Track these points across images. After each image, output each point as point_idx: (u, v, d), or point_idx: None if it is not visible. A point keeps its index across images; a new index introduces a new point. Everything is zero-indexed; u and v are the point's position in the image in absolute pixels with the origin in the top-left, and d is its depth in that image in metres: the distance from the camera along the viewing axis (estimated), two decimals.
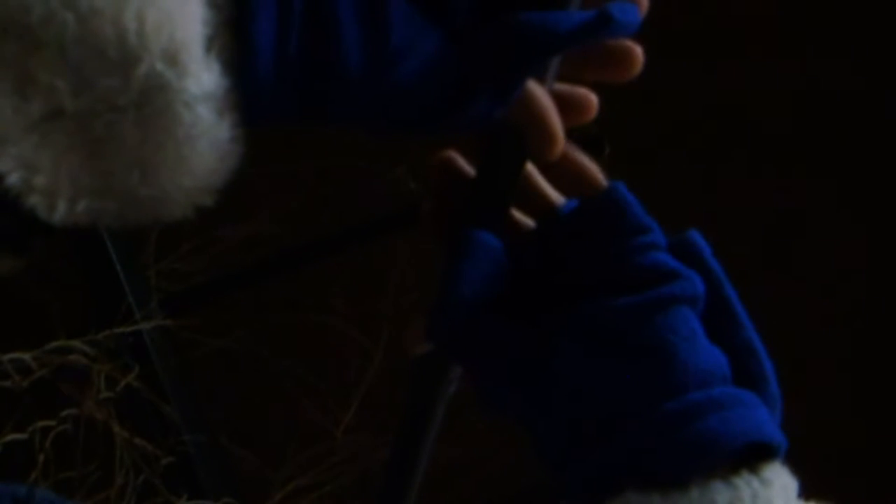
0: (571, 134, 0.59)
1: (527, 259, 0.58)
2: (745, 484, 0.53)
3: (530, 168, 0.59)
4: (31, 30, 0.45)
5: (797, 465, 0.56)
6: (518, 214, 0.60)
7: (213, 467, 2.32)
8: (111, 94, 0.46)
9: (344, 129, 0.54)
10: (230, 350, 2.29)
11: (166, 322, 2.26)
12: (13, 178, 0.47)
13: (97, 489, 2.12)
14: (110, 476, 2.14)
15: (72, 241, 2.22)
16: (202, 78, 0.47)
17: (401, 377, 0.63)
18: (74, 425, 2.11)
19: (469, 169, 0.60)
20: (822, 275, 2.48)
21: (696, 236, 0.58)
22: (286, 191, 2.34)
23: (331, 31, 0.49)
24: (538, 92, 0.55)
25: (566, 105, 0.57)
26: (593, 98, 0.59)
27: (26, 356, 2.05)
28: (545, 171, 0.59)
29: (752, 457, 0.54)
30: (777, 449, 0.55)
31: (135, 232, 2.29)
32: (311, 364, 2.35)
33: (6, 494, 0.68)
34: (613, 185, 0.58)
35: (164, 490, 2.19)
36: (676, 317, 0.55)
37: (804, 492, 0.56)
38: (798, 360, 2.24)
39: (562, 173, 0.59)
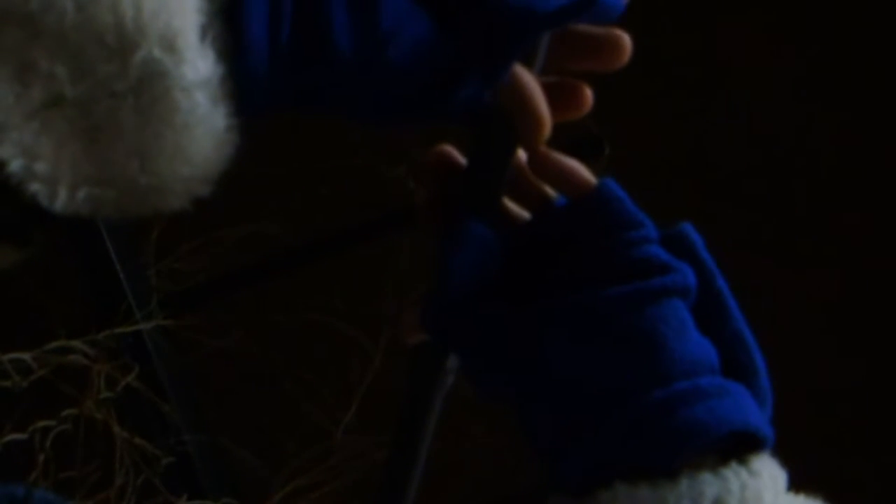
0: (572, 134, 0.60)
1: (521, 249, 0.58)
2: (734, 475, 0.54)
3: (524, 163, 0.60)
4: (31, 17, 0.45)
5: (787, 456, 0.56)
6: (513, 206, 0.60)
7: (213, 467, 2.32)
8: (110, 81, 0.47)
9: (339, 119, 0.55)
10: (230, 350, 2.29)
11: (166, 322, 2.26)
12: (15, 166, 0.47)
13: (97, 489, 2.12)
14: (110, 476, 2.14)
15: (72, 240, 2.22)
16: (198, 65, 0.48)
17: (401, 377, 0.63)
18: (74, 425, 2.11)
19: (462, 161, 0.60)
20: (822, 273, 2.48)
21: (689, 229, 0.59)
22: (286, 191, 2.34)
23: (321, 17, 0.50)
24: (525, 77, 0.56)
25: (560, 96, 0.57)
26: (587, 90, 0.59)
27: (26, 356, 2.05)
28: (535, 172, 0.60)
29: (741, 448, 0.55)
30: (765, 440, 0.55)
31: (135, 230, 2.30)
32: (311, 364, 2.35)
33: (4, 495, 0.68)
34: (604, 181, 0.58)
35: (164, 490, 2.19)
36: (667, 307, 0.55)
37: (793, 483, 0.56)
38: (790, 355, 2.24)
39: (551, 176, 0.60)
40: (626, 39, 0.57)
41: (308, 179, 2.33)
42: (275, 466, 2.29)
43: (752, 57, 2.49)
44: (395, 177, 2.15)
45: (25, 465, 2.03)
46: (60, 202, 0.48)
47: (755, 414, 0.55)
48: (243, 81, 0.50)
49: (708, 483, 0.53)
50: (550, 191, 0.60)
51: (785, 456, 0.56)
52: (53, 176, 0.48)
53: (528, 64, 0.56)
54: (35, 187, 0.48)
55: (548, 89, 0.57)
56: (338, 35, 0.50)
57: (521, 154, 0.60)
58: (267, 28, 0.49)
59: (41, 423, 2.06)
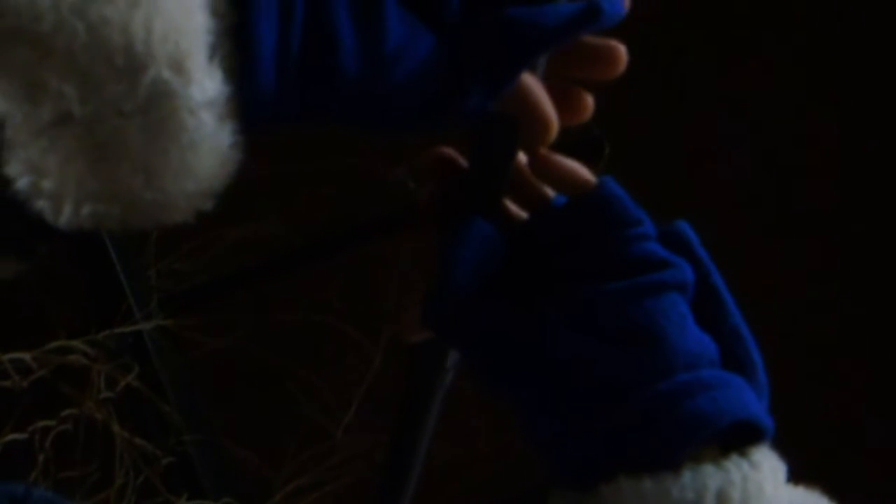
0: (572, 135, 0.60)
1: (521, 248, 0.58)
2: (736, 467, 0.54)
3: (524, 163, 0.60)
4: (42, 37, 0.46)
5: (785, 450, 0.56)
6: (513, 206, 0.61)
7: (213, 467, 2.32)
8: (118, 101, 0.47)
9: (344, 130, 0.55)
10: (230, 350, 2.29)
11: (166, 322, 2.26)
12: (22, 183, 0.48)
13: (97, 489, 2.12)
14: (110, 476, 2.14)
15: (73, 241, 2.22)
16: (206, 85, 0.48)
17: (401, 377, 0.63)
18: (74, 425, 2.11)
19: (463, 161, 0.60)
20: (822, 271, 2.48)
21: (685, 226, 0.60)
22: (286, 191, 2.34)
23: (329, 39, 0.51)
24: (531, 82, 0.56)
25: (562, 104, 0.58)
26: (589, 98, 0.59)
27: (26, 356, 2.05)
28: (536, 173, 0.60)
29: (741, 441, 0.55)
30: (765, 432, 0.56)
31: (135, 233, 2.29)
32: (311, 364, 2.35)
33: (4, 494, 0.69)
34: (603, 179, 0.59)
35: (164, 490, 2.19)
36: (666, 302, 0.56)
37: (793, 475, 0.56)
38: (790, 349, 2.24)
39: (551, 177, 0.60)
40: (622, 50, 0.58)
41: (308, 179, 2.33)
42: (275, 466, 2.29)
43: (753, 54, 2.49)
44: (395, 177, 2.15)
45: (25, 465, 2.03)
46: (65, 218, 0.49)
47: (755, 404, 0.56)
48: (250, 100, 0.50)
49: (711, 475, 0.54)
50: (549, 190, 0.61)
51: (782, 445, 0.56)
52: (59, 193, 0.48)
53: (532, 69, 0.56)
54: (41, 204, 0.48)
55: (550, 94, 0.57)
56: (345, 58, 0.51)
57: (520, 154, 0.60)
58: (275, 48, 0.50)
59: (41, 423, 2.06)
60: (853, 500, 0.57)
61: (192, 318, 2.30)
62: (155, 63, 0.47)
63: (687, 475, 0.53)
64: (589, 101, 0.60)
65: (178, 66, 0.47)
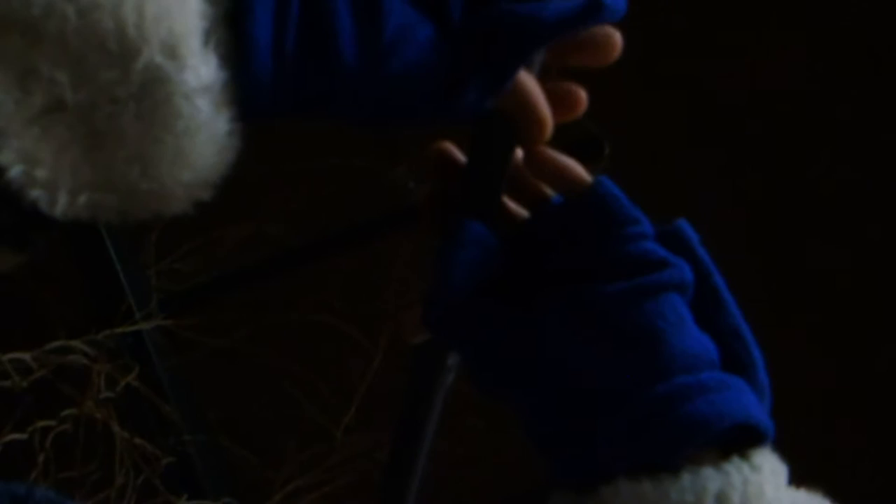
0: (572, 134, 0.60)
1: (520, 247, 0.58)
2: (736, 470, 0.54)
3: (522, 161, 0.60)
4: (32, 23, 0.45)
5: (787, 451, 0.56)
6: (512, 204, 0.60)
7: (213, 467, 2.32)
8: (111, 87, 0.47)
9: (342, 124, 0.55)
10: (230, 350, 2.29)
11: (166, 322, 2.25)
12: (15, 171, 0.47)
13: (97, 489, 2.12)
14: (110, 476, 2.14)
15: (72, 241, 2.22)
16: (200, 71, 0.48)
17: (401, 377, 0.63)
18: (74, 425, 2.11)
19: (462, 156, 0.60)
20: (818, 271, 2.48)
21: (685, 225, 0.59)
22: (286, 191, 2.34)
23: (327, 25, 0.50)
24: (527, 80, 0.56)
25: (555, 100, 0.58)
26: (582, 93, 0.59)
27: (26, 356, 2.05)
28: (532, 171, 0.60)
29: (742, 443, 0.55)
30: (765, 434, 0.56)
31: (135, 231, 2.30)
32: (311, 364, 2.35)
33: (5, 493, 0.69)
34: (599, 179, 0.59)
35: (164, 490, 2.19)
36: (665, 303, 0.56)
37: (795, 477, 0.56)
38: (791, 355, 2.24)
39: (548, 175, 0.60)
40: (617, 37, 0.58)
41: (308, 179, 2.33)
42: (275, 466, 2.29)
43: (754, 52, 2.49)
44: (395, 177, 2.15)
45: (25, 465, 2.03)
46: (60, 207, 0.48)
47: (755, 407, 0.56)
48: (246, 88, 0.50)
49: (710, 478, 0.53)
50: (548, 189, 0.61)
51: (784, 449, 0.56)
52: (54, 182, 0.48)
53: (529, 66, 0.56)
54: (35, 193, 0.48)
55: (545, 93, 0.57)
56: (343, 45, 0.50)
57: (519, 152, 0.60)
58: (272, 35, 0.49)
59: (41, 423, 2.05)
60: (854, 502, 0.57)
61: (192, 318, 2.30)
62: (148, 48, 0.46)
63: (686, 477, 0.53)
64: (582, 96, 0.60)
65: (172, 51, 0.47)
